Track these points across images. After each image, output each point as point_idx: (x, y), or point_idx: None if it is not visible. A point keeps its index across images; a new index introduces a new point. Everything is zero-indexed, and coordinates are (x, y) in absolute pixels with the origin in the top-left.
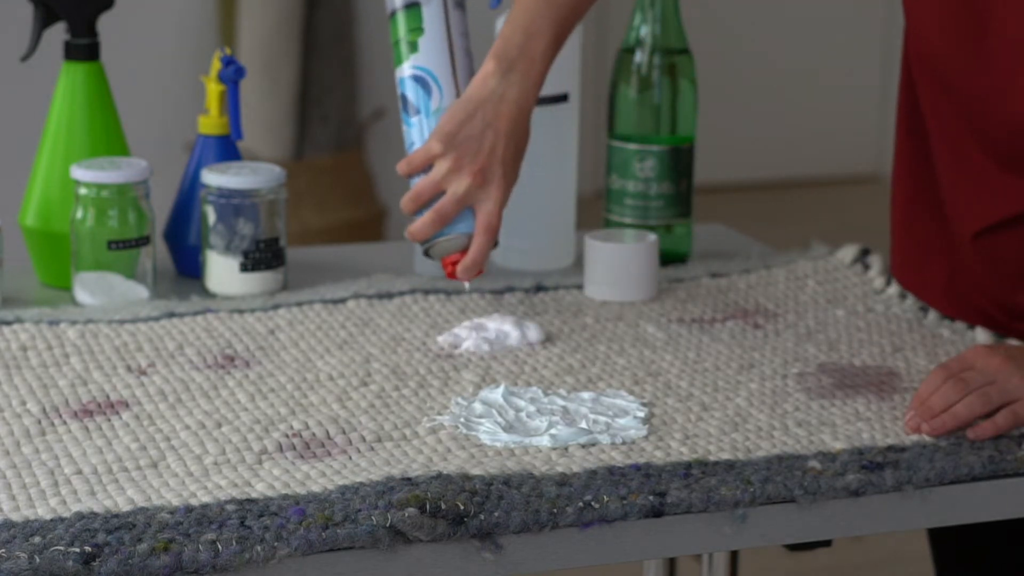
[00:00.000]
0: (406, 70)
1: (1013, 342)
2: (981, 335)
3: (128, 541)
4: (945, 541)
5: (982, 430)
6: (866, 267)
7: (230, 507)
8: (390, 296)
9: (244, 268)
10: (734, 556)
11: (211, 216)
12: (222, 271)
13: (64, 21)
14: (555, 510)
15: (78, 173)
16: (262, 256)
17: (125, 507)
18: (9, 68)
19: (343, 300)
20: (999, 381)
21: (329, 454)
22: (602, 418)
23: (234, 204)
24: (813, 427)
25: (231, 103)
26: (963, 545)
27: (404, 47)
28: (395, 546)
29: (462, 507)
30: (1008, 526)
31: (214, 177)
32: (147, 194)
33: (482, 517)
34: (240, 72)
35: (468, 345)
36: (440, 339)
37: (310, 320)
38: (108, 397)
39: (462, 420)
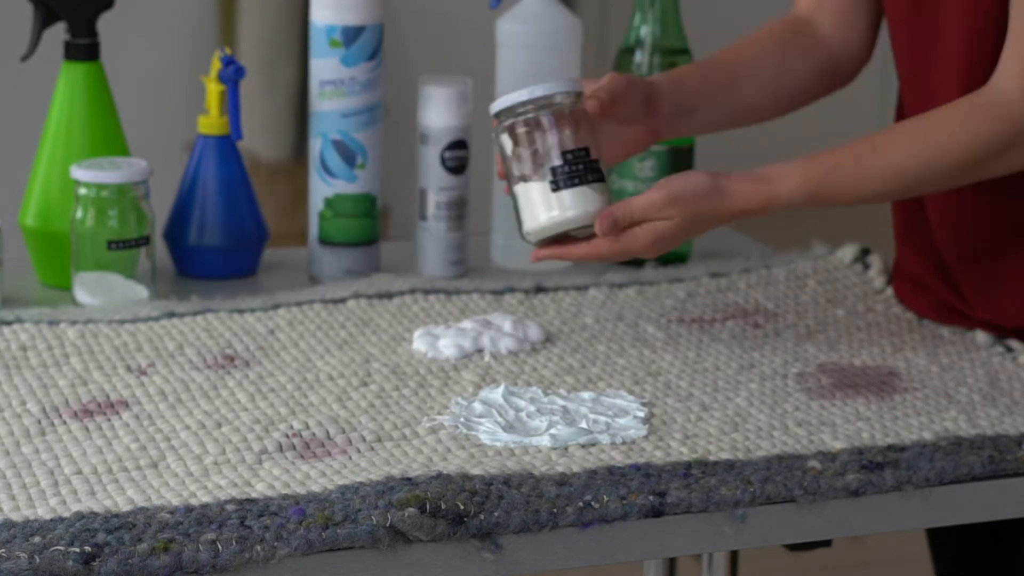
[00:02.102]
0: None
1: (1014, 343)
2: (981, 336)
3: (128, 541)
4: (944, 541)
5: (542, 254)
6: (866, 267)
7: (230, 507)
8: (390, 296)
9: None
10: (734, 556)
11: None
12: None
13: (64, 21)
14: (555, 510)
15: (78, 173)
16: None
17: (125, 507)
18: (9, 68)
19: (343, 300)
20: (629, 250)
21: (329, 454)
22: (602, 418)
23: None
24: (813, 427)
25: (231, 103)
26: (962, 545)
27: None
28: (395, 546)
29: (462, 507)
30: (1006, 526)
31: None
32: (147, 194)
33: (482, 517)
34: (240, 72)
35: (443, 344)
36: (417, 341)
37: (310, 320)
38: (108, 397)
39: (462, 420)
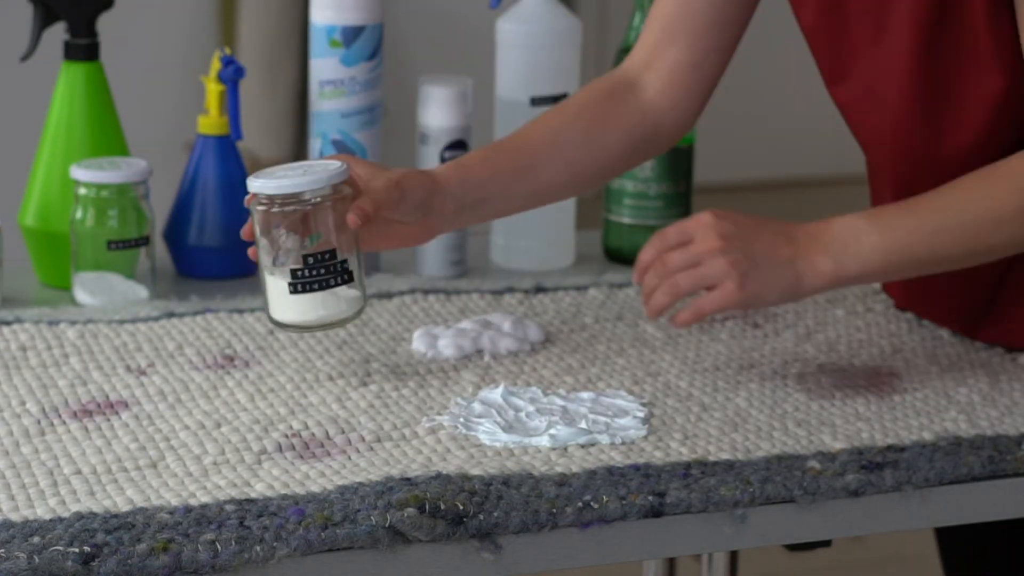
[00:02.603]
0: None
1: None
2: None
3: (127, 541)
4: (953, 540)
5: (682, 319)
6: None
7: (229, 507)
8: (390, 296)
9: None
10: (734, 556)
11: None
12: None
13: (64, 21)
14: (554, 510)
15: (78, 173)
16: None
17: (124, 507)
18: (9, 68)
19: None
20: (701, 266)
21: (328, 454)
22: (601, 418)
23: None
24: (813, 427)
25: (231, 103)
26: (971, 543)
27: None
28: (394, 546)
29: (461, 507)
30: (1013, 526)
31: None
32: (147, 194)
33: (481, 517)
34: (240, 72)
35: (443, 344)
36: (416, 341)
37: None
38: (108, 397)
39: (461, 420)
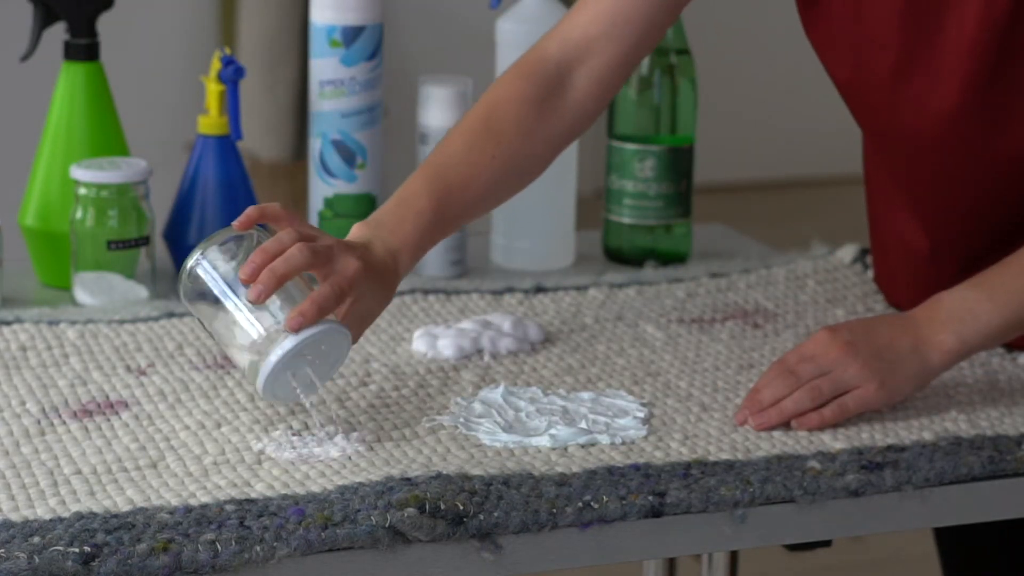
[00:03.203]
0: None
1: None
2: None
3: (127, 541)
4: (952, 540)
5: (807, 420)
6: (866, 267)
7: (229, 507)
8: None
9: None
10: (734, 556)
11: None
12: None
13: (64, 21)
14: (554, 510)
15: (78, 173)
16: None
17: (124, 507)
18: (9, 68)
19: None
20: (834, 372)
21: (328, 454)
22: (601, 418)
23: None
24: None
25: (231, 103)
26: (971, 544)
27: None
28: (395, 546)
29: (461, 507)
30: (1015, 525)
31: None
32: (147, 194)
33: (481, 517)
34: (240, 72)
35: (443, 345)
36: (416, 341)
37: None
38: (108, 397)
39: (462, 420)
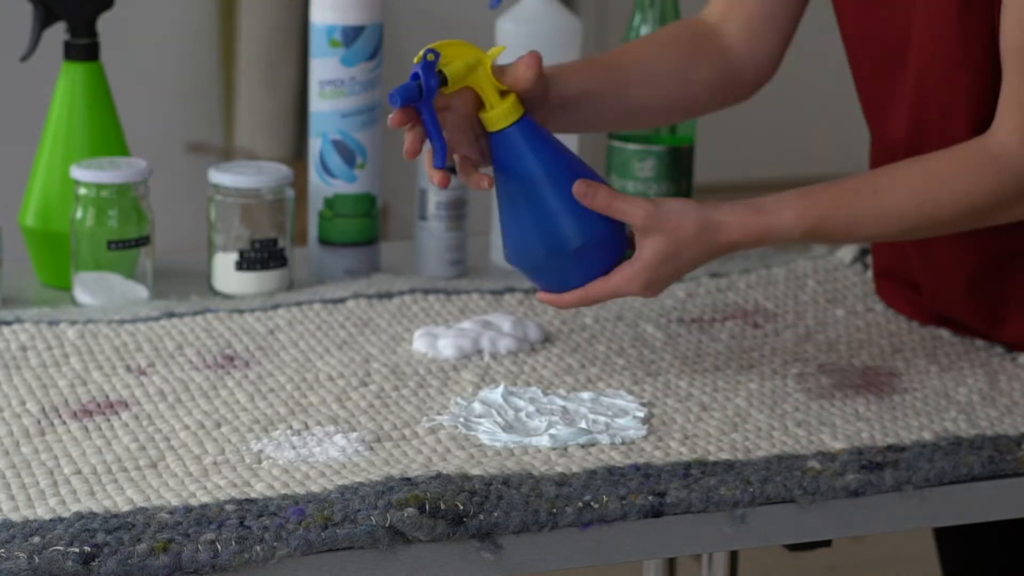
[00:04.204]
0: None
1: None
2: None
3: (127, 541)
4: (952, 540)
5: (558, 299)
6: (866, 267)
7: (229, 507)
8: (390, 296)
9: (240, 267)
10: (734, 556)
11: (213, 214)
12: (222, 269)
13: (64, 21)
14: (554, 510)
15: (78, 173)
16: (258, 256)
17: (124, 507)
18: (9, 68)
19: (343, 300)
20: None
21: (328, 453)
22: (601, 418)
23: (229, 203)
24: (813, 427)
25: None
26: (970, 544)
27: None
28: (394, 546)
29: (461, 507)
30: (1015, 525)
31: (219, 176)
32: (147, 194)
33: (481, 517)
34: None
35: (443, 345)
36: (417, 341)
37: (310, 320)
38: (108, 397)
39: (461, 420)
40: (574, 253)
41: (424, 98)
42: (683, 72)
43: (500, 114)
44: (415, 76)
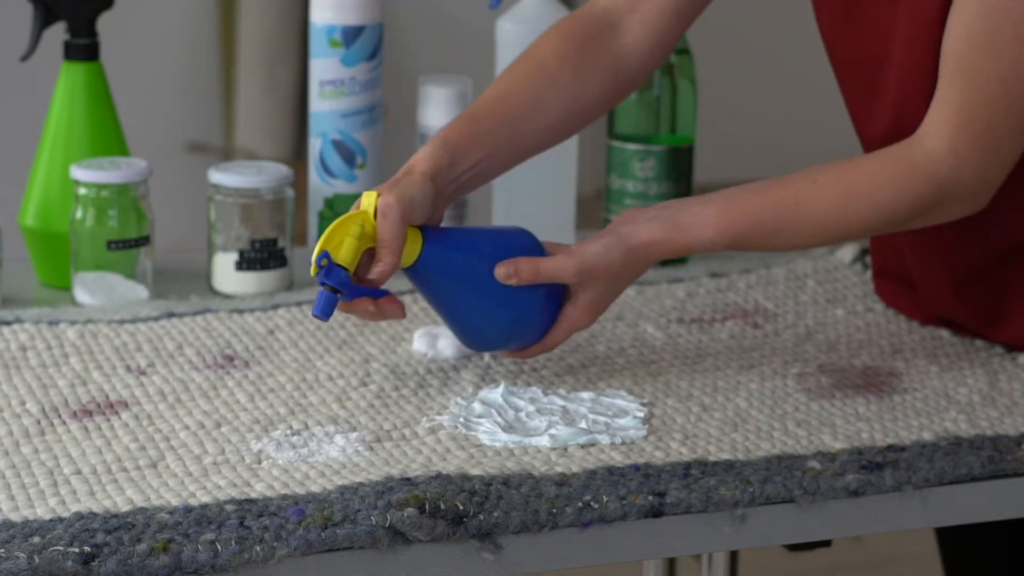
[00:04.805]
0: None
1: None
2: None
3: (127, 541)
4: (953, 540)
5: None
6: (866, 267)
7: (229, 507)
8: None
9: (240, 267)
10: (734, 556)
11: (213, 214)
12: (222, 269)
13: (64, 21)
14: (554, 510)
15: (78, 173)
16: (258, 256)
17: (124, 507)
18: (9, 68)
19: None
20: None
21: (328, 453)
22: (601, 418)
23: (229, 203)
24: (813, 427)
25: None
26: (971, 544)
27: None
28: (394, 546)
29: (461, 507)
30: (1016, 525)
31: (219, 176)
32: (147, 194)
33: (481, 517)
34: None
35: (443, 345)
36: (417, 341)
37: (310, 320)
38: (108, 397)
39: (461, 420)
40: (521, 324)
41: (346, 293)
42: (574, 96)
43: (403, 255)
44: (323, 284)
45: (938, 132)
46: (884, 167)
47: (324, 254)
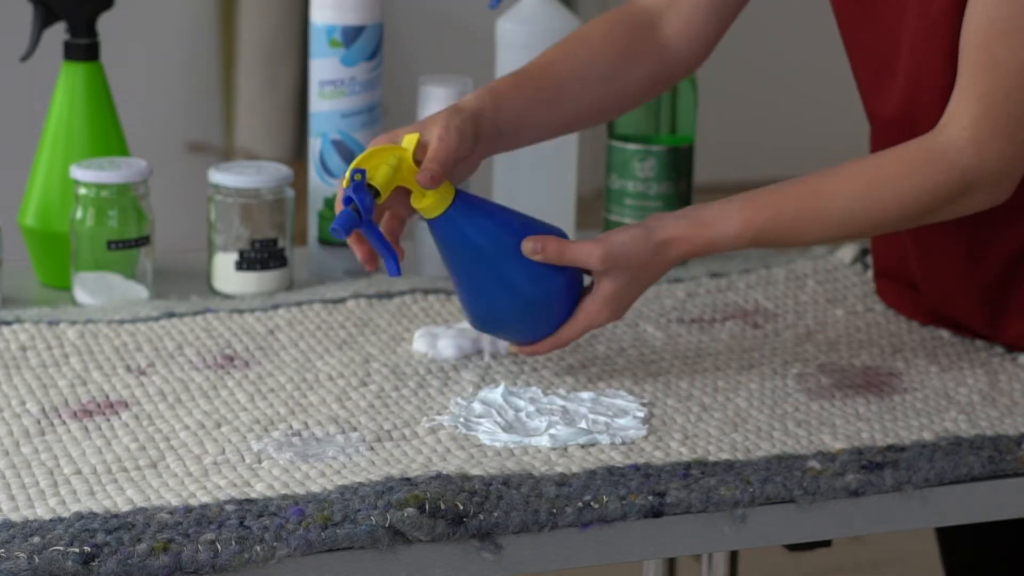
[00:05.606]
0: None
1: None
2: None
3: (127, 541)
4: (953, 540)
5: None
6: (866, 267)
7: (229, 507)
8: (390, 296)
9: (240, 267)
10: (734, 556)
11: (213, 214)
12: (222, 269)
13: (64, 21)
14: (554, 510)
15: (78, 173)
16: (258, 256)
17: (124, 507)
18: (9, 68)
19: (343, 300)
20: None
21: (328, 454)
22: (601, 418)
23: (229, 203)
24: (813, 427)
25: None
26: (971, 544)
27: None
28: (394, 546)
29: (461, 507)
30: (1016, 525)
31: (219, 176)
32: (147, 194)
33: (481, 517)
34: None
35: (443, 345)
36: (417, 341)
37: (310, 320)
38: (108, 397)
39: (461, 420)
40: (536, 308)
41: (364, 218)
42: (617, 73)
43: (433, 203)
44: (348, 200)
45: (960, 121)
46: (906, 157)
47: (362, 171)
